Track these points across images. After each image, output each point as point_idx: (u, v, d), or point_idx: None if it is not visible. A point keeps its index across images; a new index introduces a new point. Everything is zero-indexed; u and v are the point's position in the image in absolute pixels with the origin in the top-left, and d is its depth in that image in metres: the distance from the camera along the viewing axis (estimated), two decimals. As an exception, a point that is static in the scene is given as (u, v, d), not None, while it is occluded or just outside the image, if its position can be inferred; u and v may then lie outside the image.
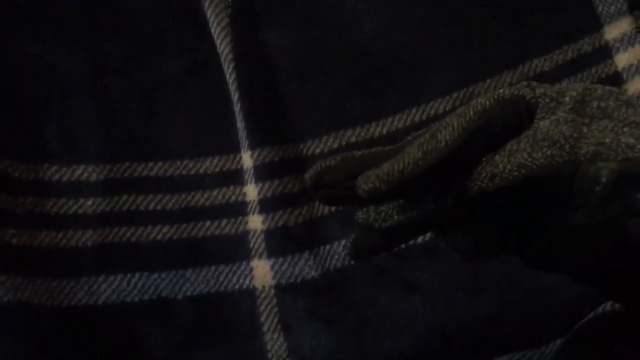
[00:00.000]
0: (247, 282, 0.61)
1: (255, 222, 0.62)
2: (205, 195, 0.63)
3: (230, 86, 0.64)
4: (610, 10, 0.62)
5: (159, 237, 0.62)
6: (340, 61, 0.64)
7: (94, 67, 0.66)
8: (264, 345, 0.60)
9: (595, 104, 0.36)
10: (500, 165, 0.35)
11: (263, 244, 0.62)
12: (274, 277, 0.61)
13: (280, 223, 0.62)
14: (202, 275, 0.62)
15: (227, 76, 0.64)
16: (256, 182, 0.63)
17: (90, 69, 0.65)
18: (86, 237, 0.62)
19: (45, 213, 0.62)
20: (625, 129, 0.34)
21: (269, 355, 0.60)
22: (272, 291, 0.61)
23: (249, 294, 0.61)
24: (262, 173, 0.63)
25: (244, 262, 0.62)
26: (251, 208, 0.63)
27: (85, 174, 0.63)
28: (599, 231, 0.37)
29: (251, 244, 0.62)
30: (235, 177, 0.64)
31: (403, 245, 0.42)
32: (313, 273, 0.61)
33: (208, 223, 0.63)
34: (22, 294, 0.59)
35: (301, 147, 0.63)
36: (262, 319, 0.61)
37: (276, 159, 0.63)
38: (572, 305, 0.49)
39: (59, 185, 0.63)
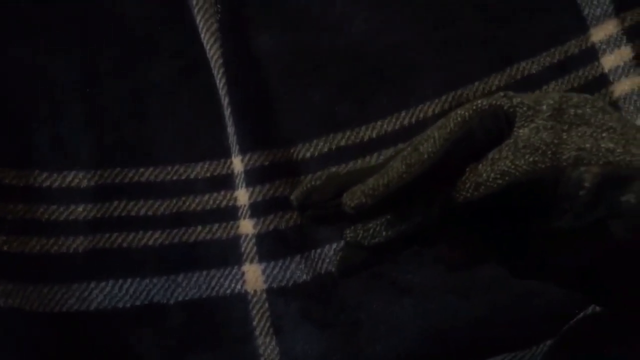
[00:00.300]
0: (238, 286, 0.61)
1: (247, 226, 0.62)
2: (196, 200, 0.63)
3: (220, 91, 0.64)
4: (596, 12, 0.62)
5: (150, 242, 0.62)
6: (329, 64, 0.64)
7: (85, 73, 0.65)
8: (256, 350, 0.60)
9: (572, 111, 0.36)
10: (484, 175, 0.35)
11: (254, 248, 0.62)
12: (265, 281, 0.61)
13: (272, 227, 0.62)
14: (194, 280, 0.62)
15: (217, 81, 0.64)
16: (247, 186, 0.63)
17: (80, 74, 0.65)
18: (77, 243, 0.62)
19: (36, 219, 0.62)
20: (604, 134, 0.35)
21: (262, 359, 0.60)
22: (264, 295, 0.61)
23: (241, 299, 0.61)
24: (253, 177, 0.63)
25: (236, 267, 0.62)
26: (242, 212, 0.63)
27: (76, 180, 0.63)
28: (586, 234, 0.37)
29: (242, 249, 0.62)
30: (226, 182, 0.64)
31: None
32: (304, 277, 0.61)
33: (199, 228, 0.63)
34: (13, 300, 0.59)
35: (291, 151, 0.63)
36: (254, 323, 0.61)
37: (266, 163, 0.63)
38: (561, 307, 0.50)
39: (50, 191, 0.62)
